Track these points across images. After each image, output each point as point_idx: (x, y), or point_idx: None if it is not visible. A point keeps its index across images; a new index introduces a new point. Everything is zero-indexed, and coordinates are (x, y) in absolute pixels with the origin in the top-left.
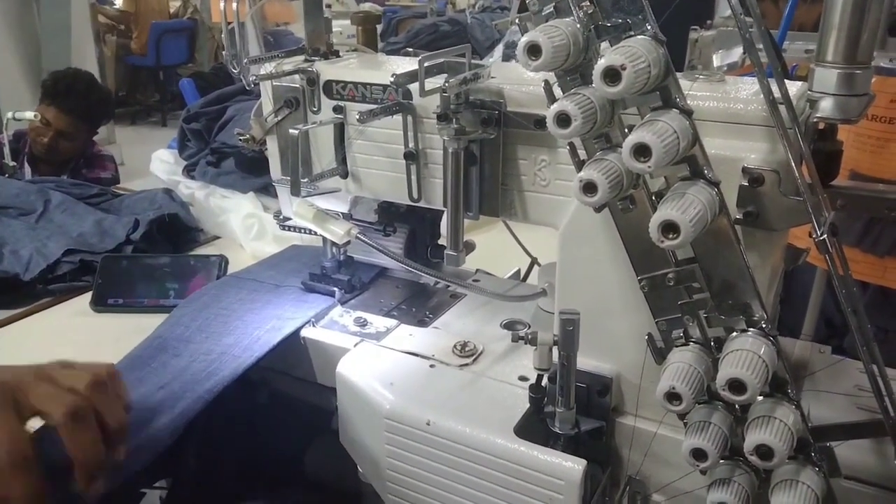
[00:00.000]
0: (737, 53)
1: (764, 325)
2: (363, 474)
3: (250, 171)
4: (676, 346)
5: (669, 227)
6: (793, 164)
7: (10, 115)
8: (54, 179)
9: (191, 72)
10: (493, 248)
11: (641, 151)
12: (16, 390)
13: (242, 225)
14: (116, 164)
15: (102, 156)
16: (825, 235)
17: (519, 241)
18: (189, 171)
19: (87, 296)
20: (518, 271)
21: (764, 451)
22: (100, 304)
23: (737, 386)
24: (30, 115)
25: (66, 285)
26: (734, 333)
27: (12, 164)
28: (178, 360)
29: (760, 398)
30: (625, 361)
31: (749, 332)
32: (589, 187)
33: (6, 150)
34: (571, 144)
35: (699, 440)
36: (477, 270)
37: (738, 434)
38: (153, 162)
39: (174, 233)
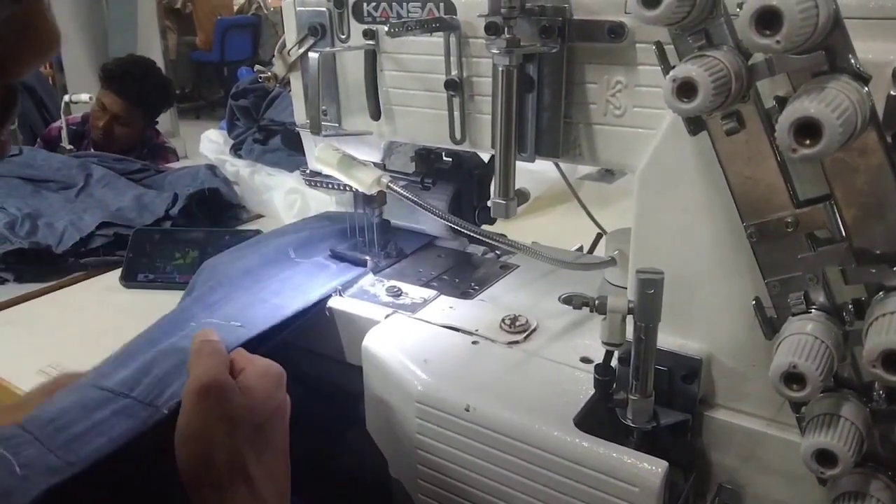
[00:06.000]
0: None
1: None
2: (393, 468)
3: (297, 149)
4: (794, 315)
5: (807, 128)
6: None
7: (66, 97)
8: (98, 154)
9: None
10: (552, 230)
11: (766, 22)
12: None
13: (285, 201)
14: (179, 158)
15: (166, 147)
16: None
17: (588, 212)
18: (236, 150)
19: (119, 271)
20: (581, 248)
21: None
22: (130, 280)
23: (894, 361)
24: (85, 97)
25: (98, 259)
26: (881, 294)
27: (69, 147)
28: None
29: None
30: (718, 339)
31: None
32: (686, 88)
33: (64, 134)
34: (660, 47)
35: (827, 438)
36: (533, 243)
37: (874, 434)
38: (202, 142)
39: (216, 210)
